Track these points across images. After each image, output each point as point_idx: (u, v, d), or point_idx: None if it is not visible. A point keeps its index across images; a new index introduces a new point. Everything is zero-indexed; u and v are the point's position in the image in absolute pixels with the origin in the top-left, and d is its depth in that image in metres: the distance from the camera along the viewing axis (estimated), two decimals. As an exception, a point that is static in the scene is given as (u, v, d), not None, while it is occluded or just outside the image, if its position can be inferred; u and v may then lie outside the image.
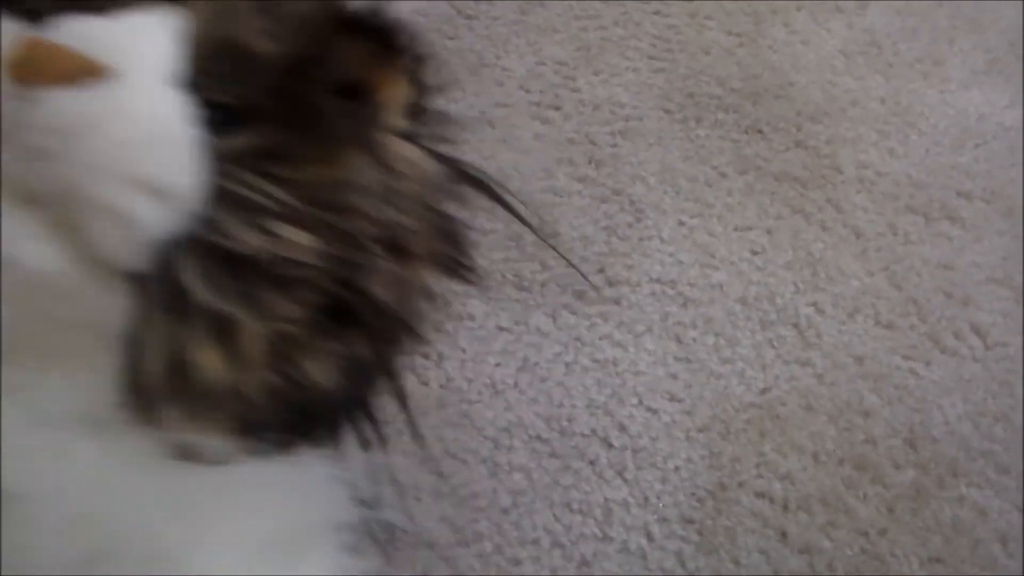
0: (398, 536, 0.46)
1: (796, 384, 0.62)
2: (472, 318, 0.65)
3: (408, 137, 0.40)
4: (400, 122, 0.40)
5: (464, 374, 0.62)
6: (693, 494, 0.57)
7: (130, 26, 0.35)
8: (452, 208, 0.41)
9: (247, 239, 0.35)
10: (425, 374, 0.62)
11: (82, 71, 0.33)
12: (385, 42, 0.39)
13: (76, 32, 0.34)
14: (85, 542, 0.35)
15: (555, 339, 0.64)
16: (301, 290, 0.36)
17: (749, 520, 0.57)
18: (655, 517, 0.56)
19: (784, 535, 0.56)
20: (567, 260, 0.70)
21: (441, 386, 0.61)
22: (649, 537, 0.56)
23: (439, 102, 0.42)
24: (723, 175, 0.73)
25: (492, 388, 0.61)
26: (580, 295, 0.66)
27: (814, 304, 0.66)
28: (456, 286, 0.42)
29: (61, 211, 0.33)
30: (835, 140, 0.74)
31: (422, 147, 0.41)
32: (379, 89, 0.39)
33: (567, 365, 0.62)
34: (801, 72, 0.79)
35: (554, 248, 0.68)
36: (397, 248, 0.38)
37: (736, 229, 0.70)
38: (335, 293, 0.37)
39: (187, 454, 0.36)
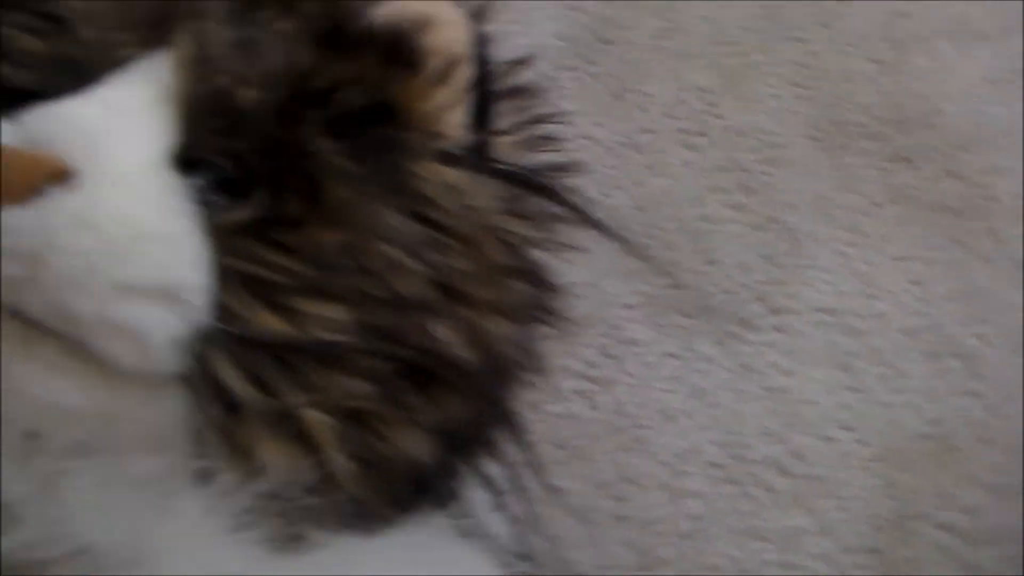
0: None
1: (968, 416, 0.62)
2: (637, 343, 0.66)
3: (462, 157, 0.35)
4: (444, 139, 0.35)
5: (634, 400, 0.63)
6: (873, 524, 0.58)
7: (102, 105, 0.32)
8: (523, 234, 0.37)
9: (269, 322, 0.31)
10: (595, 399, 0.63)
11: (41, 179, 0.29)
12: (395, 49, 0.34)
13: (37, 128, 0.31)
14: None
15: (722, 366, 0.64)
16: (357, 362, 0.33)
17: (933, 552, 0.57)
18: (837, 546, 0.57)
19: (971, 567, 0.56)
20: (672, 283, 0.70)
21: (612, 412, 0.62)
22: (832, 565, 0.56)
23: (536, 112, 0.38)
24: (876, 204, 0.73)
25: (663, 414, 0.62)
26: (744, 323, 0.66)
27: (980, 336, 0.66)
28: (544, 329, 0.39)
29: (66, 336, 0.31)
30: (989, 170, 0.75)
31: (481, 166, 0.36)
32: (408, 106, 0.34)
33: (737, 392, 0.63)
34: (947, 100, 0.79)
35: (648, 262, 0.67)
36: (457, 298, 0.34)
37: (894, 259, 0.70)
38: (402, 357, 0.33)
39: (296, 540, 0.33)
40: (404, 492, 0.34)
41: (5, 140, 0.31)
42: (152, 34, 0.33)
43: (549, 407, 0.61)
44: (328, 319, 0.32)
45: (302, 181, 0.32)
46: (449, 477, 0.36)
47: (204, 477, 0.32)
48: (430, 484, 0.35)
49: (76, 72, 0.33)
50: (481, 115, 0.36)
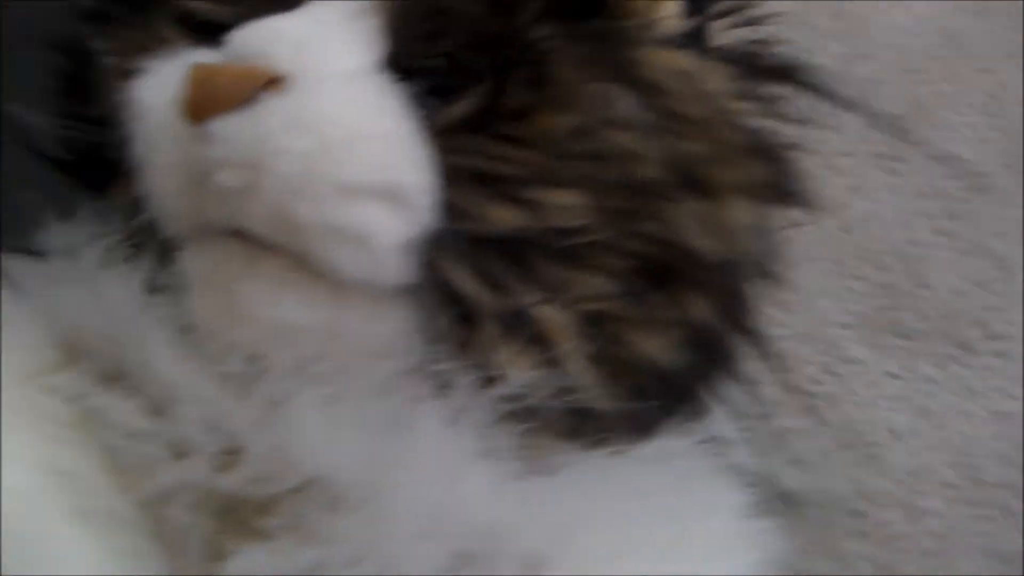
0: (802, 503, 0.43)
1: None
2: (858, 362, 0.67)
3: (683, 43, 0.34)
4: (670, 26, 0.34)
5: (861, 417, 0.64)
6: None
7: (306, 19, 0.31)
8: (757, 114, 0.35)
9: (503, 216, 0.30)
10: (823, 414, 0.64)
11: (253, 87, 0.29)
12: None
13: (244, 44, 0.30)
14: (450, 544, 0.31)
15: (946, 388, 0.65)
16: (596, 258, 0.31)
17: None
18: (1083, 572, 0.58)
19: None
20: (887, 303, 0.71)
21: (841, 428, 0.64)
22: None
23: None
24: (1081, 234, 0.74)
25: (892, 433, 0.63)
26: (963, 346, 0.67)
27: None
28: (788, 218, 0.37)
29: (289, 251, 0.30)
30: None
31: (704, 51, 0.34)
32: None
33: (964, 415, 0.64)
34: None
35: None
36: (696, 183, 0.32)
37: (1107, 288, 0.71)
38: (641, 252, 0.32)
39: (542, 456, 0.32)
40: (647, 403, 0.32)
41: (213, 60, 0.31)
42: None
43: (778, 421, 0.63)
44: (564, 207, 0.30)
45: (524, 69, 0.31)
46: (693, 387, 0.34)
47: (438, 390, 0.31)
48: (673, 394, 0.33)
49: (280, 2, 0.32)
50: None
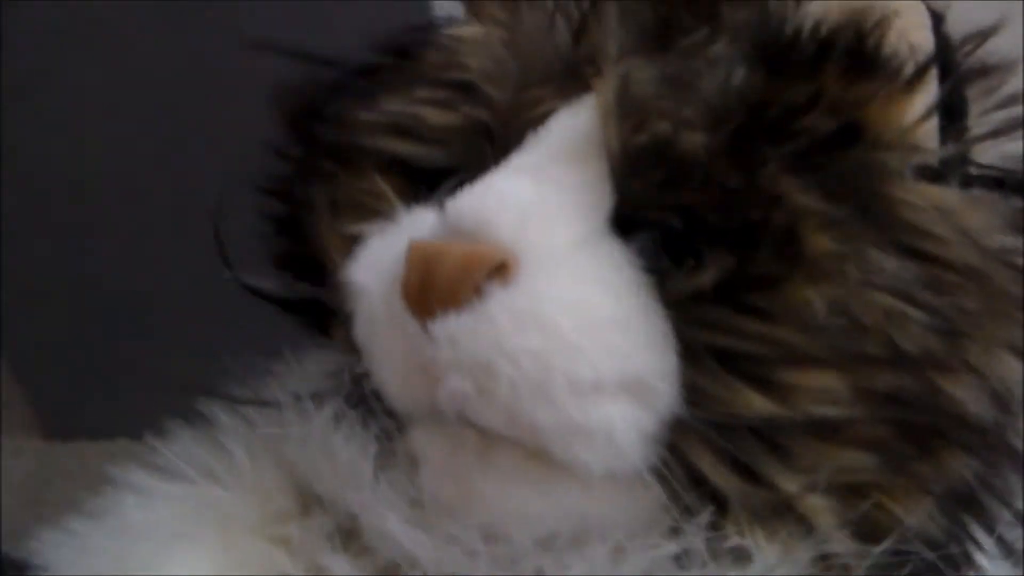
0: None
1: None
2: None
3: (938, 175, 0.29)
4: (922, 152, 0.29)
5: None
6: None
7: (526, 178, 0.29)
8: None
9: (751, 402, 0.27)
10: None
11: (478, 279, 0.27)
12: (856, 55, 0.28)
13: (464, 214, 0.28)
14: None
15: None
16: (854, 432, 0.28)
17: None
18: None
19: None
20: None
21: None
22: None
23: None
24: None
25: None
26: None
27: None
28: None
29: (525, 444, 0.28)
30: None
31: (961, 180, 0.30)
32: (880, 122, 0.28)
33: None
34: None
35: None
36: (963, 339, 0.29)
37: None
38: (904, 421, 0.29)
39: None
40: (913, 565, 0.29)
41: (431, 234, 0.29)
42: (568, 84, 0.30)
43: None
44: (820, 390, 0.27)
45: (772, 232, 0.27)
46: (956, 542, 0.31)
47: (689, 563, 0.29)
48: (938, 553, 0.30)
49: (491, 141, 0.31)
50: (953, 113, 0.30)
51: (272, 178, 0.36)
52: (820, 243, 0.27)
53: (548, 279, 0.27)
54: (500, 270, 0.27)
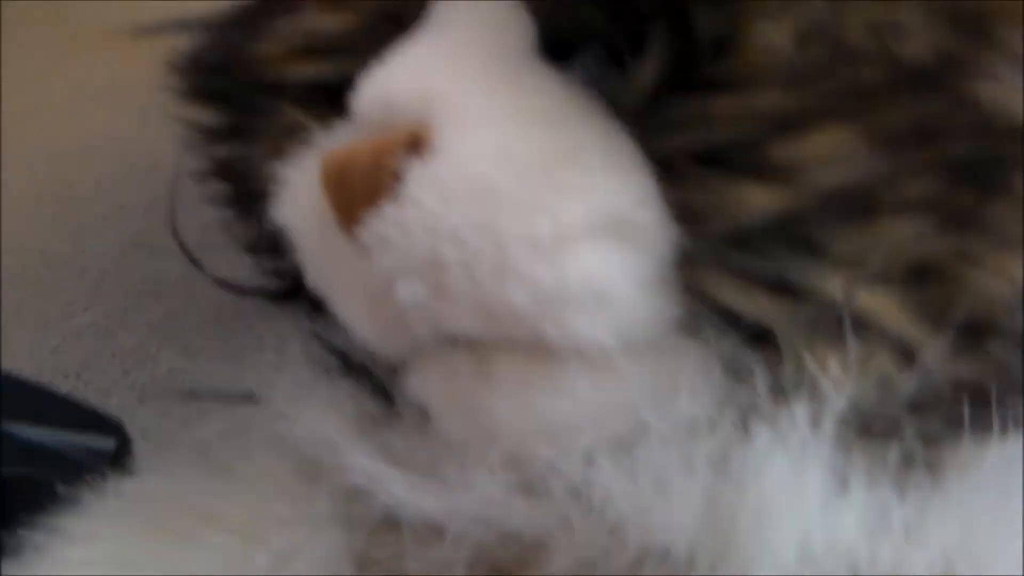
0: None
1: None
2: None
3: None
4: None
5: None
6: None
7: (425, 50, 0.26)
8: None
9: (757, 197, 0.22)
10: None
11: (392, 164, 0.24)
12: None
13: (364, 108, 0.26)
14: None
15: None
16: (896, 195, 0.23)
17: None
18: None
19: None
20: None
21: None
22: None
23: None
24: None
25: None
26: None
27: None
28: None
29: (517, 338, 0.24)
30: None
31: None
32: None
33: None
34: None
35: None
36: (972, 21, 0.23)
37: None
38: (949, 155, 0.23)
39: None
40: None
41: (337, 144, 0.26)
42: None
43: None
44: (828, 155, 0.22)
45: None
46: None
47: (765, 425, 0.24)
48: None
49: (401, 27, 0.27)
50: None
51: (210, 160, 0.34)
52: None
53: (469, 134, 0.24)
54: (415, 145, 0.24)
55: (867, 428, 0.23)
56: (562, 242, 0.23)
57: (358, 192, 0.24)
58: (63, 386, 0.56)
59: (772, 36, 0.22)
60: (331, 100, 0.29)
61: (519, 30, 0.25)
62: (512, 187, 0.23)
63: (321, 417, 0.29)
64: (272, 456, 0.30)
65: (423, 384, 0.27)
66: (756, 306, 0.23)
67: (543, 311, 0.23)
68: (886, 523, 0.24)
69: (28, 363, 0.57)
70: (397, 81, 0.25)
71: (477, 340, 0.25)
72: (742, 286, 0.23)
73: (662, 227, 0.23)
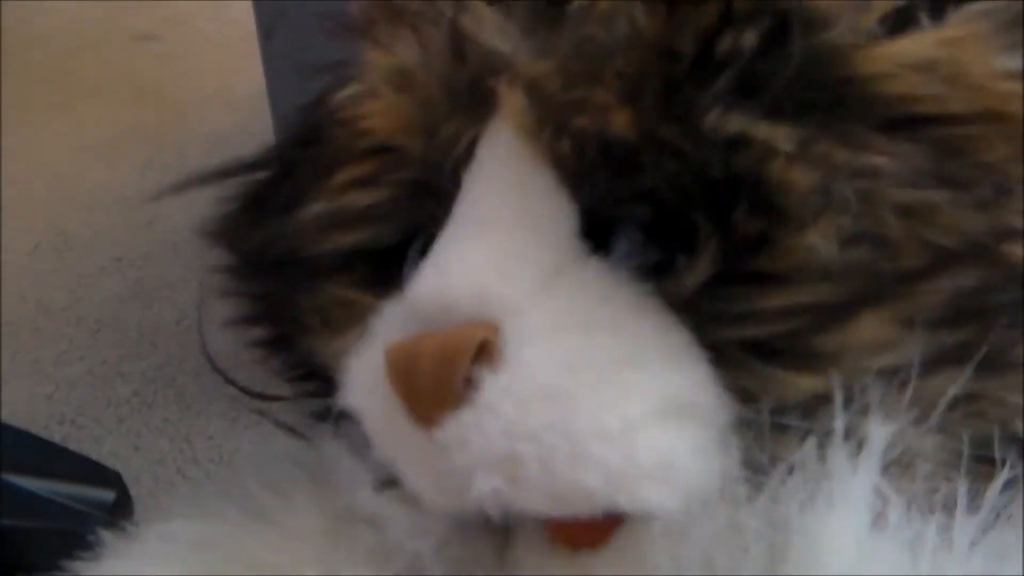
0: None
1: None
2: None
3: (898, 22, 0.25)
4: (860, 15, 0.25)
5: None
6: None
7: (476, 237, 0.27)
8: None
9: (799, 386, 0.24)
10: None
11: (463, 372, 0.24)
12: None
13: (425, 302, 0.26)
14: None
15: None
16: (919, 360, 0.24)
17: None
18: None
19: None
20: None
21: None
22: None
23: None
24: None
25: None
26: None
27: None
28: None
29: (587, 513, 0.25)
30: None
31: (931, 10, 0.25)
32: (795, 10, 0.24)
33: None
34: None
35: None
36: (998, 195, 0.24)
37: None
38: (980, 317, 0.24)
39: None
40: None
41: (403, 330, 0.26)
42: (477, 106, 0.27)
43: None
44: (869, 343, 0.24)
45: (743, 186, 0.24)
46: None
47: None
48: None
49: (429, 193, 0.28)
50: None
51: (247, 306, 0.34)
52: (796, 178, 0.24)
53: (536, 344, 0.25)
54: (483, 350, 0.25)
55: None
56: (630, 430, 0.24)
57: (428, 395, 0.25)
58: (58, 433, 0.56)
59: (815, 239, 0.23)
60: (371, 270, 0.30)
61: (562, 215, 0.26)
62: (580, 393, 0.24)
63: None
64: (313, 505, 0.30)
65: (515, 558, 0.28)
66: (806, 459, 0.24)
67: (616, 488, 0.24)
68: (926, 558, 0.24)
69: (23, 410, 0.57)
70: (453, 280, 0.26)
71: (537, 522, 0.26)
72: (794, 441, 0.24)
73: (719, 404, 0.24)
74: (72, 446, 0.52)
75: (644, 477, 0.24)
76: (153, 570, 0.29)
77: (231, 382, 0.33)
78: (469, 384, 0.24)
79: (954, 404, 0.25)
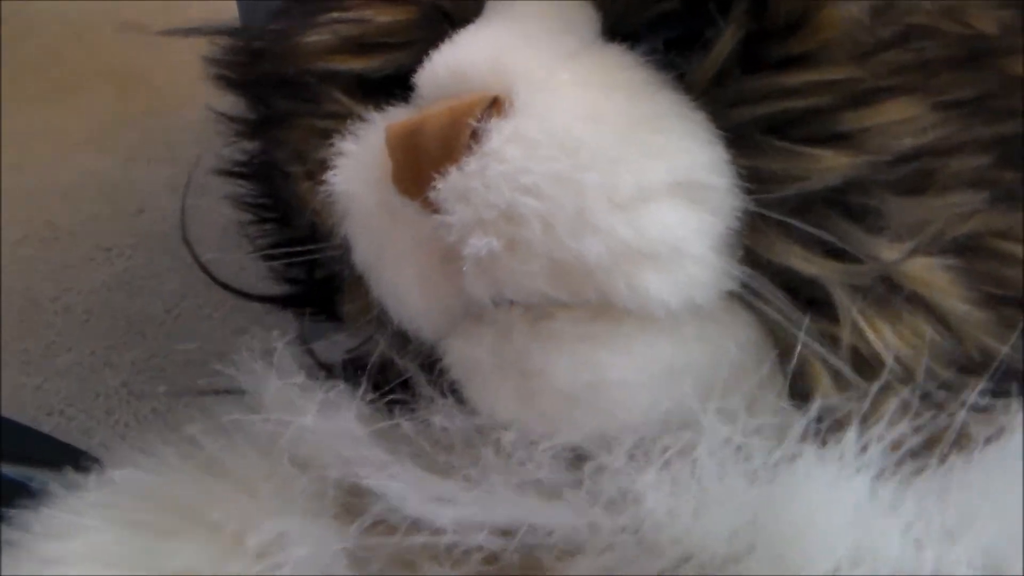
0: None
1: None
2: None
3: None
4: None
5: None
6: None
7: (492, 29, 0.26)
8: None
9: (825, 163, 0.23)
10: None
11: (468, 123, 0.23)
12: None
13: (434, 83, 0.26)
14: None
15: None
16: (949, 168, 0.24)
17: None
18: None
19: None
20: None
21: None
22: None
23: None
24: None
25: None
26: None
27: None
28: None
29: (581, 297, 0.24)
30: None
31: None
32: None
33: None
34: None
35: None
36: None
37: None
38: (1001, 134, 0.24)
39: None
40: None
41: (401, 118, 0.25)
42: None
43: None
44: (897, 122, 0.23)
45: None
46: None
47: (806, 411, 0.24)
48: None
49: (452, 25, 0.27)
50: None
51: (236, 160, 0.34)
52: None
53: (553, 95, 0.24)
54: (494, 106, 0.24)
55: (917, 401, 0.24)
56: (642, 198, 0.23)
57: (432, 154, 0.23)
58: (46, 424, 0.56)
59: (848, 12, 0.23)
60: (375, 94, 0.29)
61: (584, 19, 0.26)
62: (596, 143, 0.23)
63: (322, 418, 0.28)
64: (263, 452, 0.30)
65: (469, 351, 0.26)
66: (817, 268, 0.24)
67: (617, 266, 0.23)
68: (928, 526, 0.24)
69: (12, 401, 0.57)
70: (471, 54, 0.25)
71: (535, 303, 0.24)
72: (804, 250, 0.24)
73: (732, 193, 0.24)
74: (62, 438, 0.52)
75: (648, 257, 0.23)
76: (93, 521, 0.29)
77: (226, 286, 0.33)
78: (476, 137, 0.23)
79: (973, 247, 0.24)
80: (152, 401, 0.56)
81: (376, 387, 0.29)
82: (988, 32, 0.23)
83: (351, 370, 0.30)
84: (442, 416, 0.27)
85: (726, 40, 0.24)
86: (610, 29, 0.26)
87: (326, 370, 0.32)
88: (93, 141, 0.71)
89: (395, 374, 0.29)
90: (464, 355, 0.27)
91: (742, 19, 0.24)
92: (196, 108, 0.34)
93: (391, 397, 0.29)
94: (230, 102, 0.34)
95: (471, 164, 0.23)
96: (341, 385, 0.29)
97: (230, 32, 0.34)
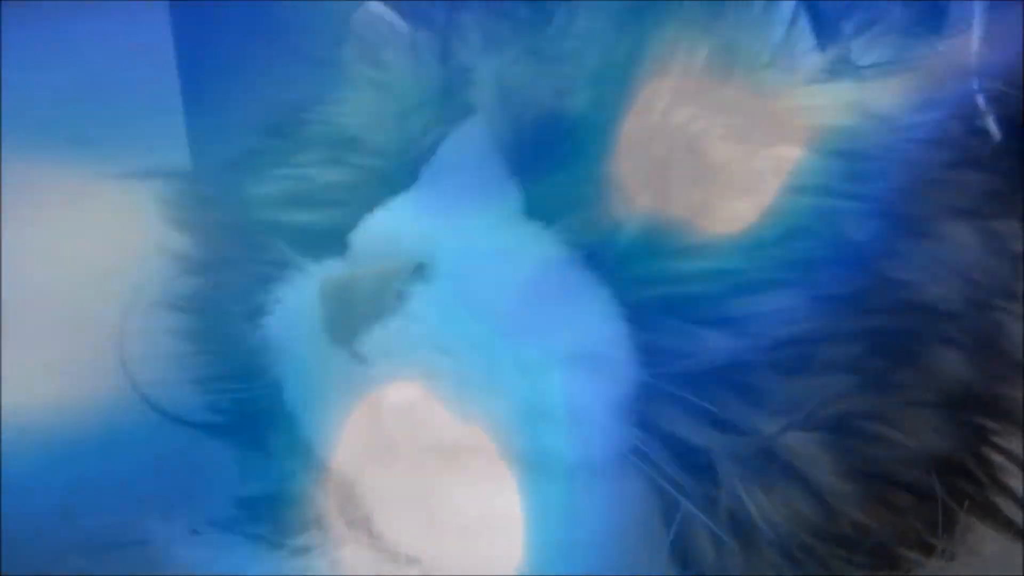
0: None
1: None
2: None
3: None
4: None
5: None
6: None
7: (425, 197, 0.29)
8: None
9: (710, 343, 0.26)
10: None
11: (399, 283, 0.26)
12: None
13: (368, 243, 0.29)
14: None
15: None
16: (825, 354, 0.27)
17: None
18: None
19: None
20: None
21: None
22: None
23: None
24: None
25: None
26: None
27: None
28: None
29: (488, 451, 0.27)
30: None
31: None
32: None
33: None
34: None
35: None
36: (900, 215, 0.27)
37: None
38: (874, 327, 0.27)
39: None
40: (918, 514, 0.27)
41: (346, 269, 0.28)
42: (449, 105, 0.30)
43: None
44: (778, 311, 0.26)
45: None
46: (973, 452, 0.28)
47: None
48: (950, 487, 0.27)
49: (388, 187, 0.30)
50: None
51: (181, 291, 0.35)
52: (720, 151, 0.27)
53: (471, 264, 0.27)
54: (418, 271, 0.27)
55: (789, 554, 0.27)
56: (546, 365, 0.26)
57: (362, 306, 0.26)
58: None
59: (740, 210, 0.26)
60: (313, 247, 0.31)
61: (508, 197, 0.29)
62: (508, 312, 0.26)
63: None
64: None
65: (383, 485, 0.29)
66: (703, 439, 0.26)
67: (520, 424, 0.26)
68: None
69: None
70: (402, 221, 0.28)
71: (446, 447, 0.27)
72: (693, 421, 0.26)
73: (629, 364, 0.26)
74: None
75: (550, 419, 0.26)
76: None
77: (147, 400, 0.34)
78: (400, 299, 0.26)
79: (843, 425, 0.27)
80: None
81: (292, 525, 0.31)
82: (861, 239, 0.27)
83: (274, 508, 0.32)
84: (351, 550, 0.30)
85: (632, 227, 0.27)
86: (528, 209, 0.28)
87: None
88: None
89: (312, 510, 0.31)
90: (378, 488, 0.29)
91: (647, 210, 0.27)
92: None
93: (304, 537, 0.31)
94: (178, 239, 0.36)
95: (395, 322, 0.26)
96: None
97: (183, 176, 0.36)
